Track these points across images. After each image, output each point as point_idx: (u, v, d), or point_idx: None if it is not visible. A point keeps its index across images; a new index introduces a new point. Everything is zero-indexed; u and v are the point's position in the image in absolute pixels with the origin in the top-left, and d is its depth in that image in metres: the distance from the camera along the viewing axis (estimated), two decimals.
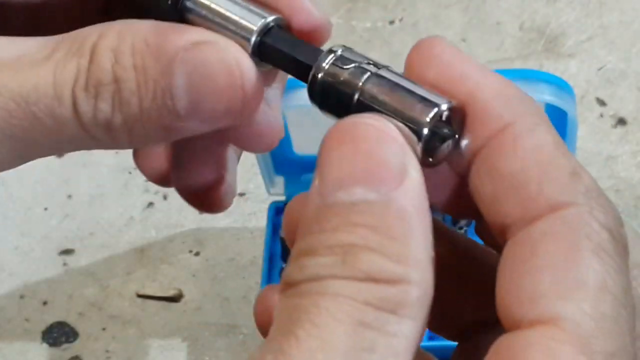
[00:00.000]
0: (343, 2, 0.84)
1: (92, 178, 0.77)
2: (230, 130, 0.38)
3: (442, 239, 0.33)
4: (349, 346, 0.27)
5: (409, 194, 0.28)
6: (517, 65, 0.78)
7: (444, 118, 0.30)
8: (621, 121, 0.75)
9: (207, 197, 0.41)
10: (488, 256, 0.33)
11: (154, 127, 0.33)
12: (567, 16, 0.81)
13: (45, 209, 0.76)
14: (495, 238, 0.30)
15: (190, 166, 0.41)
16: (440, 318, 0.33)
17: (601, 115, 0.75)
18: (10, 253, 0.74)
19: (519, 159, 0.29)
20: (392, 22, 0.83)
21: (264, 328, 0.34)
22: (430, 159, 0.30)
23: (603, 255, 0.28)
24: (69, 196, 0.76)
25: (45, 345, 0.70)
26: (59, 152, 0.35)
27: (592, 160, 0.73)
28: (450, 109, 0.30)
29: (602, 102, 0.76)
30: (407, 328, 0.27)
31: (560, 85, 0.59)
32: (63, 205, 0.76)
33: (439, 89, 0.31)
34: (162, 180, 0.42)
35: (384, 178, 0.28)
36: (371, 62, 0.32)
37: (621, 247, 0.28)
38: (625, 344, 0.27)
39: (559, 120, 0.60)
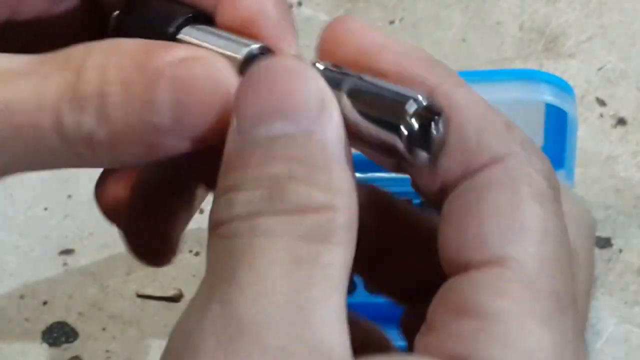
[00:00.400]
0: (343, 2, 0.84)
1: (92, 178, 0.76)
2: (205, 170, 0.38)
3: (384, 204, 0.35)
4: (289, 286, 0.27)
5: (328, 127, 0.29)
6: (517, 65, 0.78)
7: (423, 114, 0.30)
8: (621, 121, 0.75)
9: (152, 253, 0.41)
10: (431, 220, 0.34)
11: (137, 143, 0.32)
12: (567, 16, 0.81)
13: (45, 209, 0.76)
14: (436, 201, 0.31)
15: (149, 221, 0.41)
16: (386, 280, 0.35)
17: (601, 115, 0.75)
18: (10, 253, 0.74)
19: (454, 116, 0.30)
20: (392, 22, 0.83)
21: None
22: (422, 155, 0.31)
23: (543, 201, 0.29)
24: (69, 196, 0.76)
25: (45, 345, 0.70)
26: (40, 169, 0.35)
27: (592, 160, 0.73)
28: (426, 103, 0.30)
29: (602, 102, 0.76)
30: (340, 255, 0.28)
31: (560, 85, 0.59)
32: (63, 205, 0.76)
33: (361, 63, 0.32)
34: (114, 218, 0.42)
35: (303, 112, 0.29)
36: (349, 75, 0.32)
37: (556, 193, 0.30)
38: (567, 283, 0.29)
39: (559, 120, 0.60)
